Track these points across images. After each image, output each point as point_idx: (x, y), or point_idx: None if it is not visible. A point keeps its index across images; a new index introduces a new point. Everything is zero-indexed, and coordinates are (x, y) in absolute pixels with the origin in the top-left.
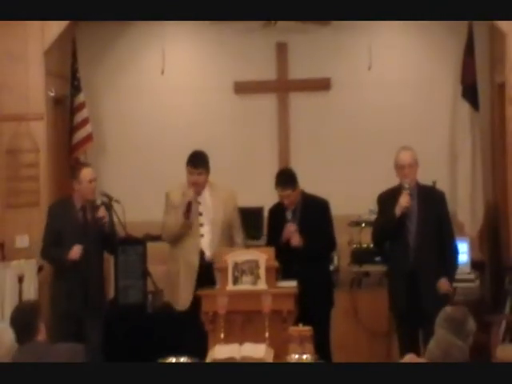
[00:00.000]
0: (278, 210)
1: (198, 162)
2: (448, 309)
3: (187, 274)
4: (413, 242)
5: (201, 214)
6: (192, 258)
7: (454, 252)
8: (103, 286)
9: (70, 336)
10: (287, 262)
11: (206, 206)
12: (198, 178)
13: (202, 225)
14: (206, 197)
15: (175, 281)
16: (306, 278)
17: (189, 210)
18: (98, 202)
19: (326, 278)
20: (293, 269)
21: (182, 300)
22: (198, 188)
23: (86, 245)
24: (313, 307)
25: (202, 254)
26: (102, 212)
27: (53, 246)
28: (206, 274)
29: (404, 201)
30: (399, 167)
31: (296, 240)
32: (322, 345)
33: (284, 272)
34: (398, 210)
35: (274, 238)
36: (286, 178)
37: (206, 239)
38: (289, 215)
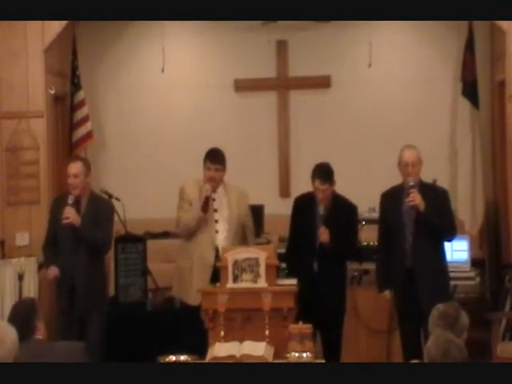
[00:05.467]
0: (305, 202)
1: (215, 157)
2: (440, 306)
3: (201, 270)
4: (411, 239)
5: (216, 211)
6: (207, 254)
7: (450, 230)
8: (101, 285)
9: (70, 333)
10: (307, 263)
11: (220, 204)
12: (214, 174)
13: (216, 221)
14: (221, 195)
15: (187, 276)
16: (324, 280)
17: (207, 204)
18: (69, 200)
19: (342, 282)
20: (310, 267)
21: (195, 295)
22: (213, 184)
23: (74, 240)
24: (328, 310)
25: (216, 250)
26: (66, 212)
27: (52, 242)
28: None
29: (410, 199)
30: (403, 165)
31: (325, 237)
32: (332, 348)
33: (303, 272)
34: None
35: (297, 232)
36: (325, 172)
37: (221, 236)
38: (321, 210)
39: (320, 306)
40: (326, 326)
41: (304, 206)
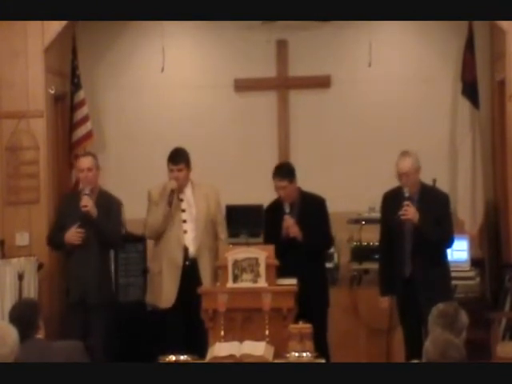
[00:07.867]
0: (275, 208)
1: (177, 158)
2: (440, 305)
3: (171, 271)
4: (409, 245)
5: (183, 211)
6: (175, 255)
7: (447, 242)
8: (107, 282)
9: (73, 332)
10: (284, 259)
11: (188, 203)
12: (178, 175)
13: (185, 221)
14: (188, 194)
15: (157, 280)
16: (302, 275)
17: (172, 196)
18: (86, 191)
19: (322, 276)
20: (290, 266)
21: (166, 297)
22: (179, 184)
23: (84, 236)
24: (308, 305)
25: (185, 249)
26: (84, 201)
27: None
28: (191, 270)
29: (403, 213)
30: (398, 175)
31: (295, 231)
32: (318, 342)
33: (281, 269)
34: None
35: (272, 235)
36: (283, 170)
37: (190, 235)
38: (287, 208)
39: (301, 299)
40: (308, 318)
41: (273, 210)
